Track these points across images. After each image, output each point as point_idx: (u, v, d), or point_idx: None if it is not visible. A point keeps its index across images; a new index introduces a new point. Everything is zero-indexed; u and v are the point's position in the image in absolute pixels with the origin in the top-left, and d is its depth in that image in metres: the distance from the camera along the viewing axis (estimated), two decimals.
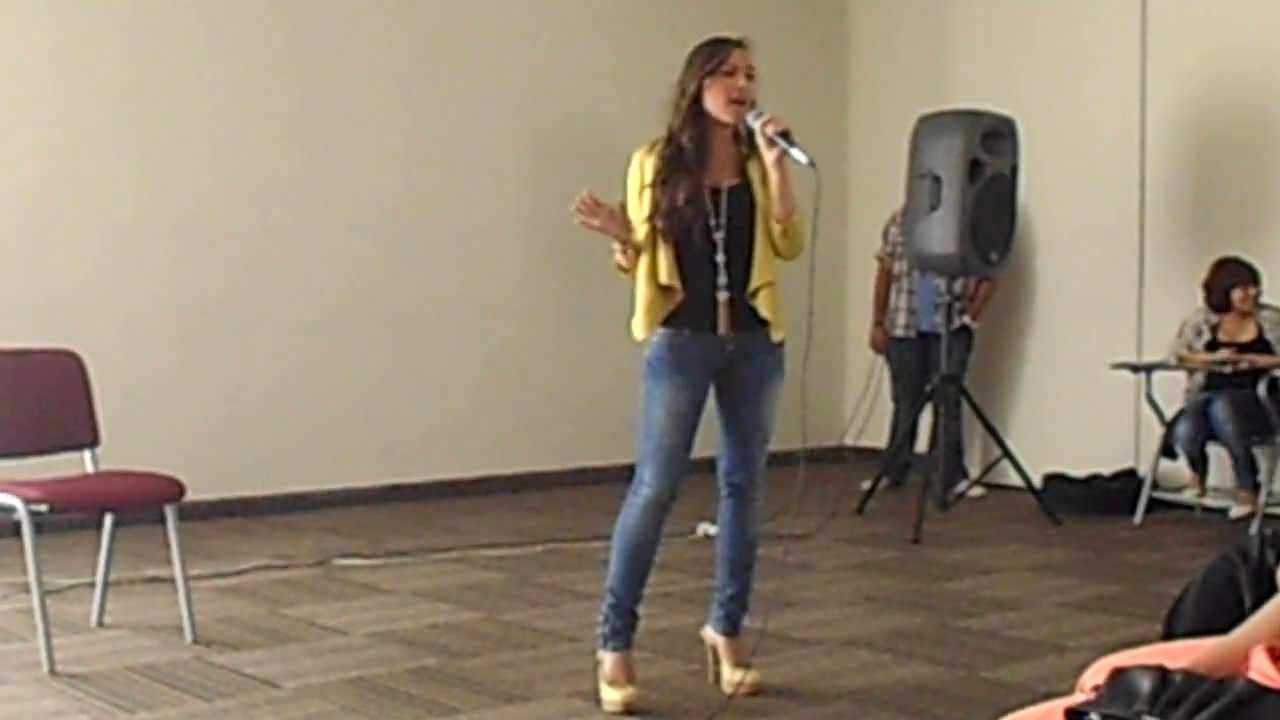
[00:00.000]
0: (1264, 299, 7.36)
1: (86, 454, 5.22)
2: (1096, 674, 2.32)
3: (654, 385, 4.31)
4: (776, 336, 4.36)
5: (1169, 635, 3.58)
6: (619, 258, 4.31)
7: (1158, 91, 8.00)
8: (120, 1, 7.24)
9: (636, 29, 8.66)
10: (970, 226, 7.26)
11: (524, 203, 8.38)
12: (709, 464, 4.49)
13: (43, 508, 4.73)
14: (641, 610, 4.44)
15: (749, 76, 4.25)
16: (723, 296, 4.27)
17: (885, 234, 8.41)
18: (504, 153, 8.36)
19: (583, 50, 8.56)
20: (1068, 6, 8.39)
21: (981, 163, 7.31)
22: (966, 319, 8.13)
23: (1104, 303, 8.18)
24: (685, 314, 4.28)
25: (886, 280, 8.41)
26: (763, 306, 4.31)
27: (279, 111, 7.66)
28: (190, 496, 5.09)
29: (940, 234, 7.29)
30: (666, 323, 4.28)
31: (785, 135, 4.19)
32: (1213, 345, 7.36)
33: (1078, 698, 2.27)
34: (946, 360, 7.50)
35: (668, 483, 4.30)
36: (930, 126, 7.44)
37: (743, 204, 4.29)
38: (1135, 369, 7.56)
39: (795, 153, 4.15)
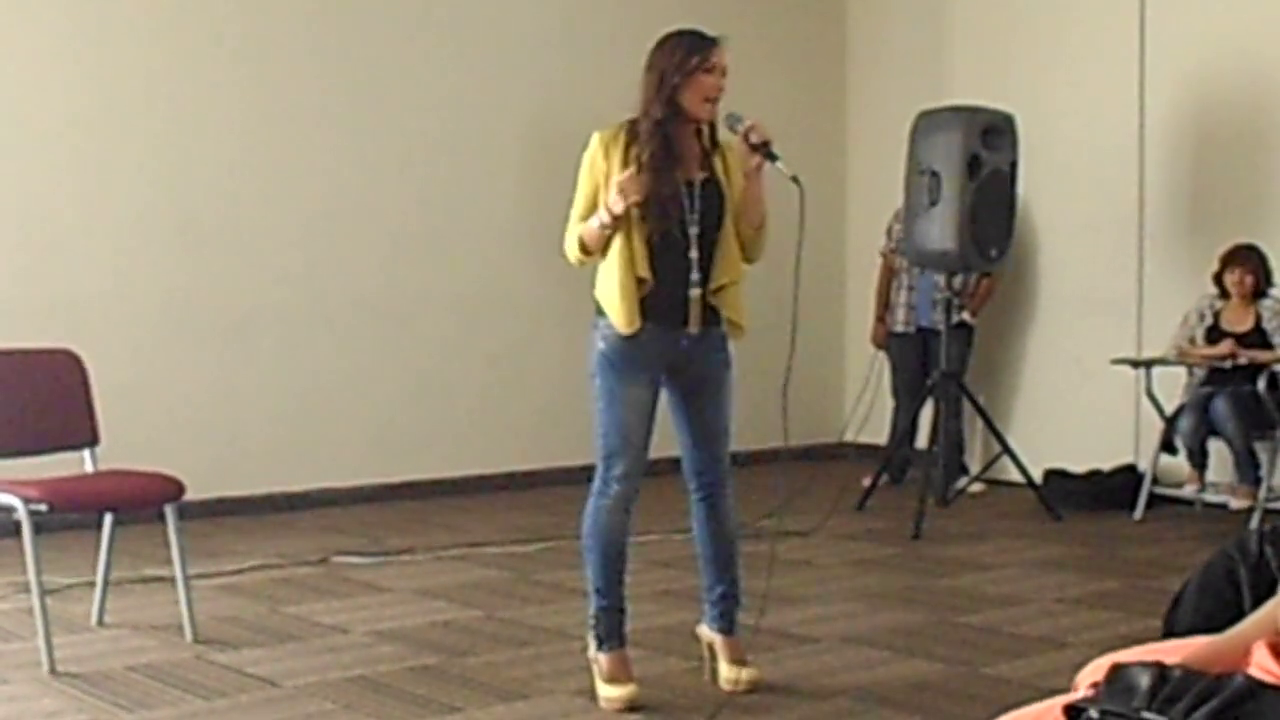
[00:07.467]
0: (1275, 291, 7.32)
1: (86, 453, 5.22)
2: (1094, 672, 2.32)
3: (614, 383, 4.28)
4: (736, 336, 4.36)
5: (1169, 631, 3.58)
6: (594, 234, 4.20)
7: (1157, 87, 7.99)
8: (127, 2, 7.24)
9: (637, 28, 8.57)
10: (969, 223, 7.25)
11: (525, 202, 8.37)
12: (678, 463, 4.49)
13: (42, 507, 4.73)
14: (629, 605, 4.45)
15: (723, 74, 4.25)
16: (695, 293, 4.26)
17: (889, 230, 8.39)
18: (506, 152, 8.35)
19: (584, 50, 8.55)
20: (1067, 2, 8.38)
21: (981, 159, 7.30)
22: (965, 315, 8.12)
23: (1103, 298, 8.17)
24: (649, 309, 4.24)
25: (889, 276, 8.41)
26: (725, 305, 4.31)
27: (281, 111, 7.65)
28: (190, 495, 5.10)
29: (939, 230, 7.29)
30: None
31: (766, 145, 4.21)
32: (1213, 332, 7.34)
33: (1077, 694, 2.27)
34: (946, 356, 7.50)
35: (637, 478, 4.33)
36: (929, 122, 7.43)
37: (713, 199, 4.29)
38: (1135, 364, 7.55)
39: (780, 165, 4.17)
